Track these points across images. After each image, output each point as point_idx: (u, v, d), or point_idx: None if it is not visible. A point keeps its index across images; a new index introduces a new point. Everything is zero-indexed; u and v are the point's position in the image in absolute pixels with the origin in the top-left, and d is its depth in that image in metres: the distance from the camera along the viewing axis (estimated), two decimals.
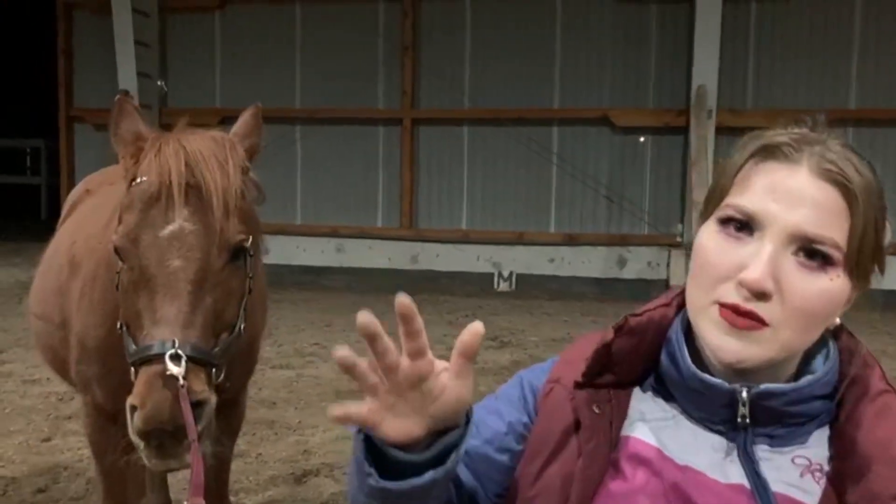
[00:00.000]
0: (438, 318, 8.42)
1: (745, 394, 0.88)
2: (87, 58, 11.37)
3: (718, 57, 9.31)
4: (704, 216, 0.96)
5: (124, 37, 10.37)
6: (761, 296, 0.85)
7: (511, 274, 10.14)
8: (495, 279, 10.19)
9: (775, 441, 0.91)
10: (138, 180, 1.68)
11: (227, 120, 10.89)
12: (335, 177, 10.80)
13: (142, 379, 1.53)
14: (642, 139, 9.92)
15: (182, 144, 1.68)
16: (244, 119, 1.92)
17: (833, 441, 0.91)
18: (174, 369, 1.48)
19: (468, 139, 10.43)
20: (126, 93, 10.15)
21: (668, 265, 9.57)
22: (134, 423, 1.54)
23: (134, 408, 1.54)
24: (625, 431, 0.96)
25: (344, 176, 10.77)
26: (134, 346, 1.62)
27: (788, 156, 0.89)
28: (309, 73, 10.81)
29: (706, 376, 0.91)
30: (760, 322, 0.86)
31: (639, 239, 9.77)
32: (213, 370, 1.63)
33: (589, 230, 9.94)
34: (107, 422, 2.23)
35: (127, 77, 10.42)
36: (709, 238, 0.92)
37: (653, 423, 0.96)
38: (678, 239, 9.61)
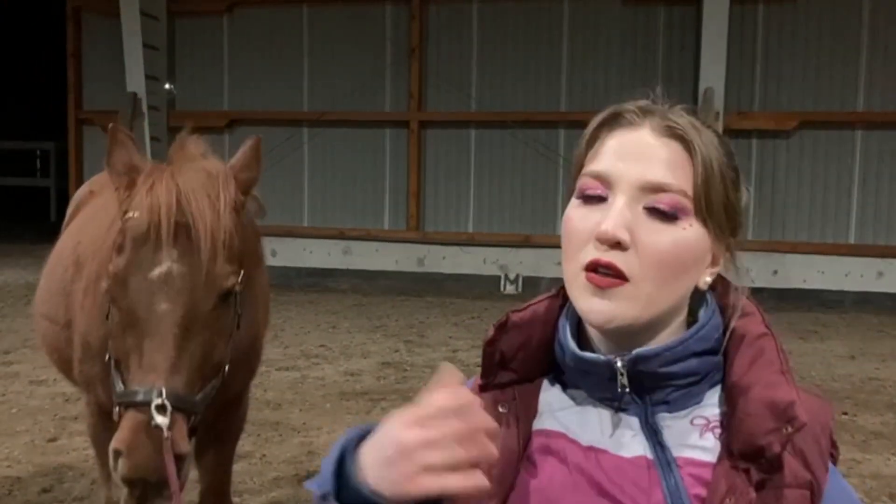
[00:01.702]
0: (444, 320, 8.43)
1: (619, 363, 0.90)
2: (96, 61, 11.44)
3: (726, 59, 9.29)
4: (570, 196, 0.98)
5: (133, 40, 10.41)
6: (617, 246, 0.88)
7: (517, 277, 10.13)
8: (502, 282, 10.19)
9: (672, 406, 0.92)
10: (130, 214, 1.67)
11: (234, 123, 11.00)
12: (342, 179, 10.82)
13: (127, 424, 1.55)
14: None
15: (175, 181, 1.66)
16: (244, 151, 1.89)
17: (724, 395, 0.93)
18: (160, 420, 1.50)
19: (475, 142, 10.44)
20: (134, 104, 10.20)
21: None
22: (118, 469, 1.56)
23: (118, 452, 1.56)
24: (535, 426, 0.97)
25: (351, 178, 10.79)
26: (121, 386, 1.63)
27: (632, 121, 0.94)
28: (316, 76, 10.84)
29: (585, 353, 0.92)
30: (621, 277, 0.88)
31: None
32: (194, 415, 1.65)
33: None
34: (109, 421, 2.23)
35: (135, 80, 10.47)
36: (571, 212, 0.95)
37: (560, 413, 0.97)
38: None
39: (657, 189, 0.90)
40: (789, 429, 0.84)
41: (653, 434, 0.91)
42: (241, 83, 11.01)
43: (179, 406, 1.55)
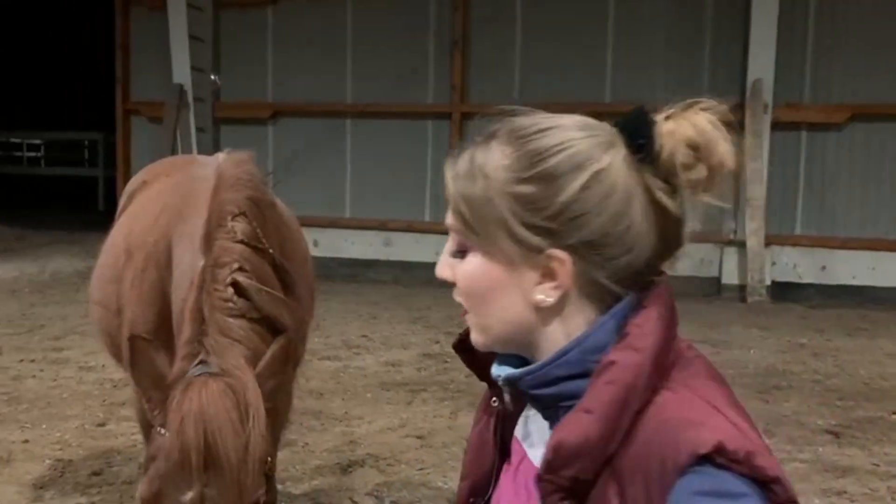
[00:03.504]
0: None
1: (499, 381, 0.99)
2: (144, 53, 11.61)
3: (775, 49, 9.09)
4: None
5: (179, 32, 10.57)
6: (453, 286, 1.00)
7: None
8: None
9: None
10: (162, 431, 1.70)
11: (278, 114, 11.10)
12: (384, 171, 10.85)
13: None
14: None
15: (203, 418, 1.66)
16: (272, 354, 1.86)
17: None
18: None
19: None
20: (180, 95, 10.33)
21: (720, 263, 9.41)
22: None
23: None
24: (516, 427, 1.06)
25: (393, 170, 10.81)
26: None
27: None
28: (359, 68, 10.87)
29: (493, 368, 1.02)
30: (464, 310, 1.01)
31: (691, 236, 9.60)
32: None
33: None
34: None
35: (181, 71, 10.62)
36: None
37: (525, 418, 1.05)
38: (731, 236, 9.42)
39: (450, 230, 1.01)
40: (564, 471, 0.87)
41: None
42: (284, 74, 11.09)
43: None
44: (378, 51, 10.69)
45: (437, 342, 6.97)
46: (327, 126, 10.87)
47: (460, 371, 6.04)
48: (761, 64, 9.08)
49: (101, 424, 4.67)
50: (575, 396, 0.91)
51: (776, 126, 9.18)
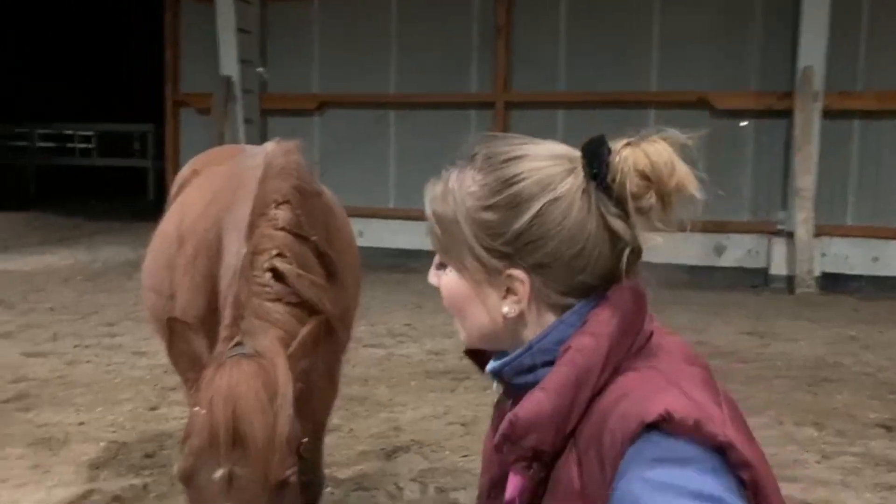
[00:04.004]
0: None
1: (487, 373, 1.11)
2: (193, 45, 11.80)
3: (827, 36, 8.88)
4: None
5: (227, 24, 10.72)
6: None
7: None
8: None
9: None
10: (197, 409, 1.76)
11: (324, 105, 11.18)
12: (427, 161, 10.84)
13: None
14: (744, 123, 9.58)
15: (232, 397, 1.71)
16: (304, 336, 1.90)
17: None
18: None
19: (562, 122, 10.32)
20: (228, 87, 10.47)
21: (768, 253, 9.25)
22: None
23: None
24: None
25: (436, 160, 10.58)
26: None
27: None
28: (403, 59, 10.91)
29: (488, 365, 1.11)
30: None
31: (738, 226, 9.45)
32: None
33: (685, 216, 9.65)
34: None
35: (229, 63, 10.78)
36: None
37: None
38: (779, 227, 9.25)
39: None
40: (522, 442, 0.96)
41: None
42: (330, 66, 11.17)
43: None
44: (422, 41, 10.71)
45: None
46: (371, 117, 10.94)
47: None
48: (812, 51, 8.88)
49: (154, 408, 4.79)
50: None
51: (827, 114, 8.96)
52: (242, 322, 1.96)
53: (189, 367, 1.83)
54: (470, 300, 1.08)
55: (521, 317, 1.05)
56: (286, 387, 1.77)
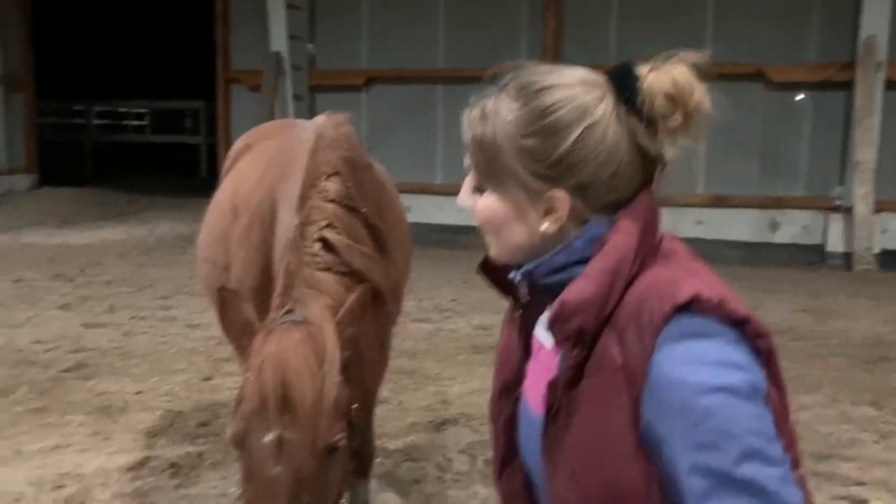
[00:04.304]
0: None
1: (516, 278, 1.19)
2: (243, 22, 11.89)
3: (891, 4, 8.55)
4: None
5: (276, 0, 10.76)
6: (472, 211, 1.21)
7: None
8: None
9: None
10: (248, 374, 1.78)
11: (371, 81, 11.19)
12: None
13: None
14: (801, 96, 9.31)
15: (281, 362, 1.74)
16: (351, 303, 1.92)
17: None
18: None
19: None
20: (278, 63, 10.53)
21: (824, 230, 9.02)
22: None
23: None
24: (535, 328, 1.26)
25: None
26: None
27: None
28: (452, 33, 10.84)
29: (509, 275, 1.22)
30: (481, 233, 1.22)
31: (794, 201, 9.23)
32: None
33: (739, 192, 9.45)
34: None
35: (279, 40, 10.84)
36: None
37: (543, 317, 1.22)
38: (837, 202, 9.01)
39: (469, 170, 1.20)
40: (569, 323, 1.07)
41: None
42: (378, 42, 11.16)
43: None
44: (470, 14, 10.62)
45: None
46: (419, 92, 10.91)
47: None
48: (875, 20, 8.57)
49: (207, 379, 4.90)
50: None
51: (890, 85, 8.66)
52: (293, 291, 1.99)
53: (241, 334, 1.86)
54: (509, 220, 1.17)
55: (557, 232, 1.14)
56: (333, 353, 1.80)
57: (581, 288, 1.08)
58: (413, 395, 4.62)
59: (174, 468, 3.62)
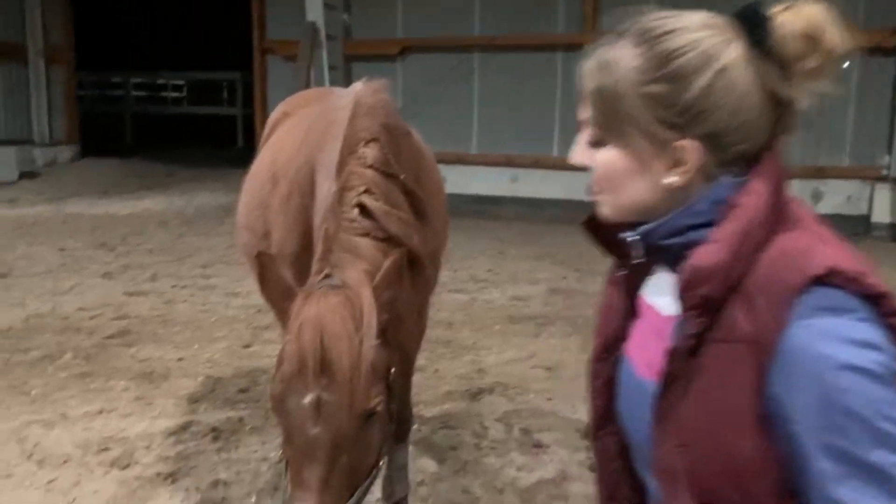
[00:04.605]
0: None
1: (630, 238, 1.13)
2: None
3: None
4: None
5: None
6: (587, 170, 1.14)
7: None
8: None
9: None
10: (288, 337, 1.80)
11: (406, 50, 11.12)
12: (511, 106, 10.74)
13: None
14: (847, 63, 9.04)
15: (319, 325, 1.75)
16: (387, 267, 1.90)
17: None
18: None
19: None
20: (313, 33, 10.52)
21: (870, 200, 8.82)
22: None
23: None
24: (642, 289, 1.21)
25: (520, 105, 10.69)
26: (287, 494, 1.77)
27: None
28: (487, 1, 10.71)
29: (620, 234, 1.14)
30: (594, 191, 1.15)
31: (838, 171, 9.03)
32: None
33: None
34: None
35: (314, 10, 10.80)
36: None
37: (652, 279, 1.20)
38: (883, 171, 8.79)
39: (584, 124, 1.13)
40: (698, 290, 1.01)
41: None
42: (413, 10, 11.08)
43: None
44: None
45: (565, 278, 6.95)
46: (455, 61, 10.82)
47: (588, 306, 6.00)
48: None
49: (247, 346, 4.97)
50: (700, 243, 1.05)
51: None
52: (331, 256, 2.00)
53: (280, 299, 1.88)
54: (631, 174, 1.10)
55: (682, 187, 1.08)
56: (370, 316, 1.81)
57: (712, 253, 1.02)
58: (449, 364, 4.64)
59: (215, 433, 3.69)
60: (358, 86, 2.48)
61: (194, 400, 4.11)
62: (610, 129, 1.10)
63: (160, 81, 21.22)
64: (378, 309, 1.83)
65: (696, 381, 1.03)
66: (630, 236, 1.13)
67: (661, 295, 1.15)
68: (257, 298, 5.46)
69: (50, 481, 3.22)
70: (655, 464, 1.09)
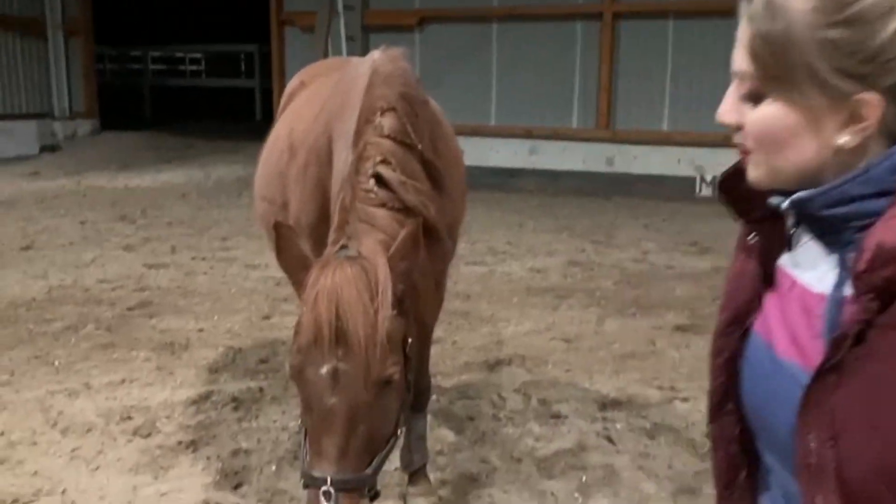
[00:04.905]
0: (634, 222, 8.24)
1: (783, 205, 1.01)
2: None
3: None
4: None
5: None
6: (735, 129, 1.02)
7: (714, 178, 9.63)
8: (697, 184, 9.73)
9: (856, 245, 0.96)
10: (304, 308, 1.80)
11: (424, 21, 11.02)
12: (530, 77, 10.64)
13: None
14: None
15: (335, 295, 1.75)
16: (402, 240, 1.89)
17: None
18: None
19: (673, 33, 9.84)
20: (331, 4, 10.43)
21: None
22: None
23: None
24: (780, 260, 1.09)
25: (539, 75, 10.58)
26: (306, 462, 1.80)
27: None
28: None
29: (770, 199, 1.03)
30: (745, 150, 1.02)
31: None
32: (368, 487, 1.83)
33: None
34: None
35: None
36: None
37: (799, 249, 1.07)
38: None
39: (741, 77, 0.99)
40: (881, 271, 0.89)
41: (843, 270, 0.97)
42: None
43: (349, 487, 1.75)
44: None
45: (583, 251, 6.92)
46: (473, 31, 10.72)
47: (607, 279, 5.99)
48: None
49: (266, 317, 5.00)
50: (869, 215, 0.94)
51: None
52: (347, 226, 2.00)
53: (297, 269, 1.88)
54: (796, 132, 0.98)
55: (856, 148, 0.96)
56: (385, 287, 1.81)
57: None
58: (467, 336, 4.64)
59: (236, 402, 3.72)
60: (376, 54, 2.45)
61: (215, 370, 4.15)
62: (776, 81, 0.97)
63: (178, 54, 21.22)
64: (394, 279, 1.83)
65: (859, 371, 0.93)
66: (782, 203, 1.01)
67: (810, 268, 1.03)
68: (276, 270, 5.48)
69: (74, 449, 3.27)
70: (798, 456, 0.99)
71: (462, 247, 6.45)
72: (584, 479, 3.06)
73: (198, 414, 3.61)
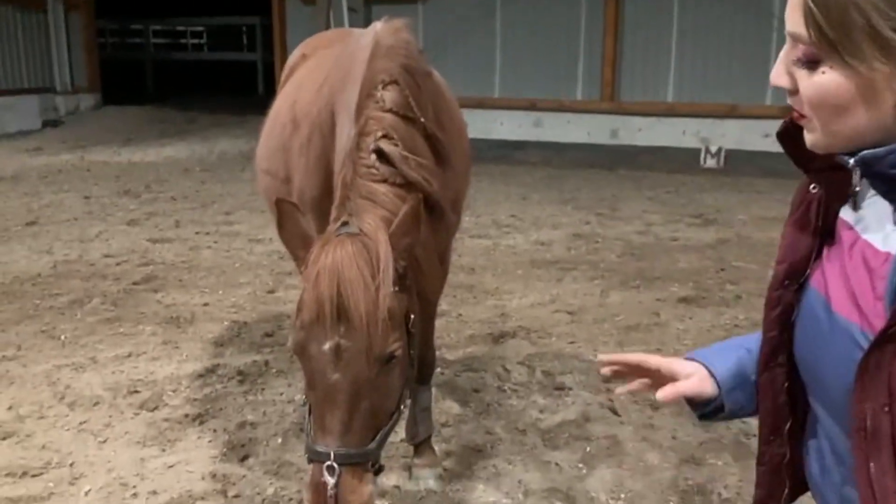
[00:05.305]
0: (638, 194, 8.20)
1: (850, 162, 0.97)
2: None
3: None
4: None
5: None
6: (790, 92, 0.98)
7: (720, 150, 9.57)
8: (702, 155, 9.68)
9: None
10: (306, 285, 1.80)
11: None
12: (534, 48, 10.55)
13: (309, 479, 1.80)
14: None
15: (336, 272, 1.76)
16: (403, 216, 1.88)
17: None
18: (328, 479, 1.73)
19: (678, 4, 9.73)
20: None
21: None
22: None
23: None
24: (842, 212, 1.07)
25: (543, 47, 10.49)
26: (310, 437, 1.81)
27: None
28: None
29: (837, 157, 0.99)
30: (800, 114, 0.98)
31: None
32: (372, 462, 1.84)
33: None
34: None
35: None
36: None
37: (865, 206, 1.04)
38: None
39: (795, 39, 0.95)
40: None
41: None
42: None
43: (352, 461, 1.76)
44: None
45: (588, 223, 6.90)
46: (478, 3, 10.61)
47: (611, 251, 5.98)
48: None
49: (271, 291, 5.01)
50: None
51: None
52: (348, 203, 1.99)
53: (299, 246, 1.88)
54: (857, 97, 0.93)
55: None
56: (387, 263, 1.81)
57: None
58: (472, 309, 4.65)
59: (241, 376, 3.74)
60: (378, 25, 2.42)
61: (220, 344, 4.17)
62: (834, 45, 0.92)
63: (180, 28, 21.06)
64: (395, 255, 1.83)
65: None
66: (849, 161, 0.98)
67: (875, 227, 1.01)
68: (280, 245, 5.46)
69: (82, 422, 3.30)
70: (854, 420, 0.97)
71: (467, 220, 6.44)
72: (588, 449, 3.08)
73: (204, 387, 3.64)
